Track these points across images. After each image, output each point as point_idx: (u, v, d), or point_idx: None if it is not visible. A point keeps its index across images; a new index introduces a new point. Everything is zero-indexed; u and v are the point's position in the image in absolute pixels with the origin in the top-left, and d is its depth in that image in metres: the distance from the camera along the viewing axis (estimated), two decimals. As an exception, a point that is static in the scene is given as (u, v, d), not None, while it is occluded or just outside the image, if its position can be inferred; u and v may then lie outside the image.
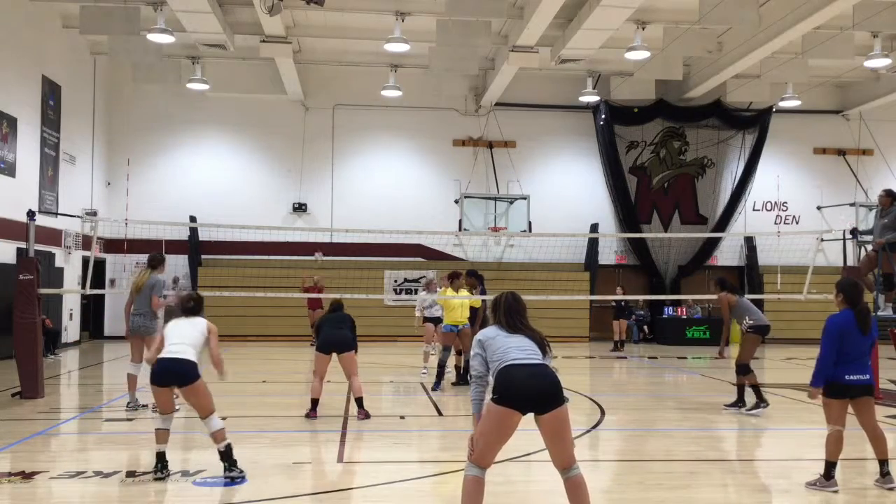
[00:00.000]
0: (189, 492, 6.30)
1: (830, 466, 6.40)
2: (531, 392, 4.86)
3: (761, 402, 10.33)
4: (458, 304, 12.38)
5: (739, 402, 10.63)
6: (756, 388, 10.44)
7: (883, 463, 6.52)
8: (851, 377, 6.35)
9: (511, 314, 5.22)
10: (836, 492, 6.34)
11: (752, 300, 11.81)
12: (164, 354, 6.73)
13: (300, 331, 21.09)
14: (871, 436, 6.57)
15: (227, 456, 6.62)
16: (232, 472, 6.57)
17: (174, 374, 6.62)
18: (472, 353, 5.26)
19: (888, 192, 11.95)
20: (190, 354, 6.72)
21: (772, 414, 10.32)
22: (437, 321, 13.79)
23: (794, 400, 11.67)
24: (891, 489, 6.43)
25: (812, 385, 6.45)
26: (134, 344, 10.27)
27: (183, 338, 6.82)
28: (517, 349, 5.03)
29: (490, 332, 5.21)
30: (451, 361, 13.05)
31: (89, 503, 6.20)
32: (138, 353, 10.11)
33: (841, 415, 6.42)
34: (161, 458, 6.65)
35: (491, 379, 5.08)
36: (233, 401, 11.36)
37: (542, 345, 5.14)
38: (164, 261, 10.54)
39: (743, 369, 10.51)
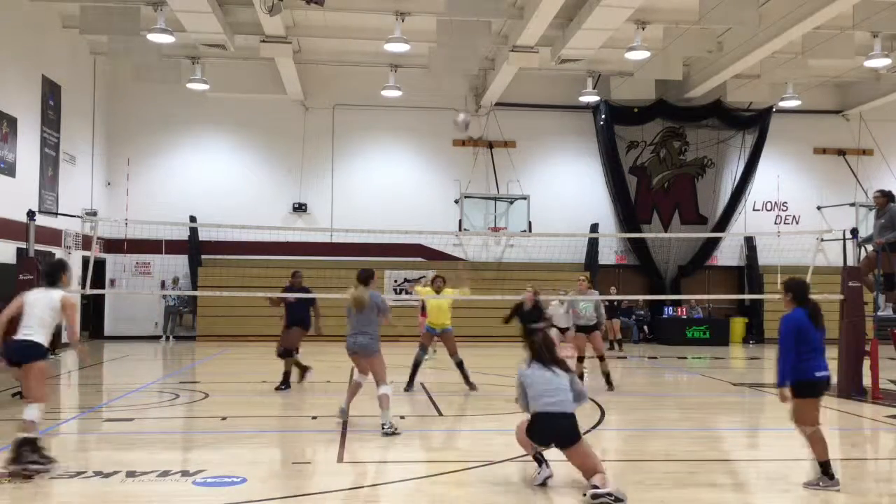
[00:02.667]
0: (189, 492, 6.29)
1: (826, 465, 6.38)
2: (552, 437, 6.36)
3: None
4: (438, 306, 12.23)
5: None
6: None
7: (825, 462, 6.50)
8: (819, 373, 6.39)
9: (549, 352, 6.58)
10: (838, 490, 6.31)
11: (752, 300, 11.70)
12: (17, 335, 6.82)
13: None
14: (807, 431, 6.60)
15: (24, 445, 6.55)
16: (31, 466, 6.48)
17: (16, 352, 6.78)
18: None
19: (882, 192, 11.96)
20: (37, 336, 6.77)
21: (771, 414, 10.32)
22: (589, 329, 12.49)
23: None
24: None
25: (779, 386, 6.43)
26: (357, 361, 9.32)
27: (33, 318, 6.82)
28: (548, 393, 6.36)
29: (528, 372, 6.53)
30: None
31: (89, 503, 6.19)
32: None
33: (816, 413, 6.42)
34: (21, 444, 6.56)
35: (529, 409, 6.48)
36: (233, 401, 11.38)
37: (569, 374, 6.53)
38: (374, 274, 9.41)
39: None
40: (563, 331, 14.20)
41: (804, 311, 6.47)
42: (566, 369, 6.55)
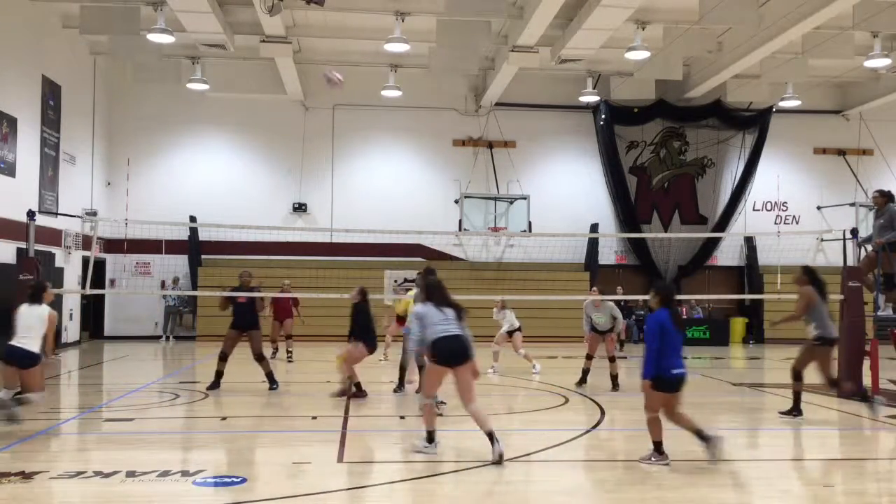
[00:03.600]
0: (189, 492, 6.29)
1: (659, 444, 7.19)
2: (450, 356, 7.37)
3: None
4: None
5: (795, 410, 9.96)
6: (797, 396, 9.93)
7: (699, 432, 7.19)
8: (675, 371, 7.15)
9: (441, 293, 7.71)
10: (667, 464, 7.05)
11: (752, 300, 11.74)
12: (14, 342, 8.54)
13: (301, 331, 21.06)
14: (675, 422, 7.32)
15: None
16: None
17: (19, 359, 8.51)
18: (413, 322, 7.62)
19: (881, 193, 11.95)
20: (33, 346, 8.53)
21: (771, 414, 10.32)
22: (604, 333, 12.86)
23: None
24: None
25: (644, 377, 7.19)
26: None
27: (29, 329, 8.56)
28: (441, 322, 7.45)
29: (424, 308, 7.60)
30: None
31: (89, 503, 6.19)
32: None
33: (659, 405, 7.21)
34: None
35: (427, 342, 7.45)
36: (233, 400, 11.38)
37: (459, 313, 7.61)
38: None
39: (797, 375, 9.98)
40: (509, 333, 14.73)
41: (668, 313, 7.27)
42: (456, 308, 7.61)
